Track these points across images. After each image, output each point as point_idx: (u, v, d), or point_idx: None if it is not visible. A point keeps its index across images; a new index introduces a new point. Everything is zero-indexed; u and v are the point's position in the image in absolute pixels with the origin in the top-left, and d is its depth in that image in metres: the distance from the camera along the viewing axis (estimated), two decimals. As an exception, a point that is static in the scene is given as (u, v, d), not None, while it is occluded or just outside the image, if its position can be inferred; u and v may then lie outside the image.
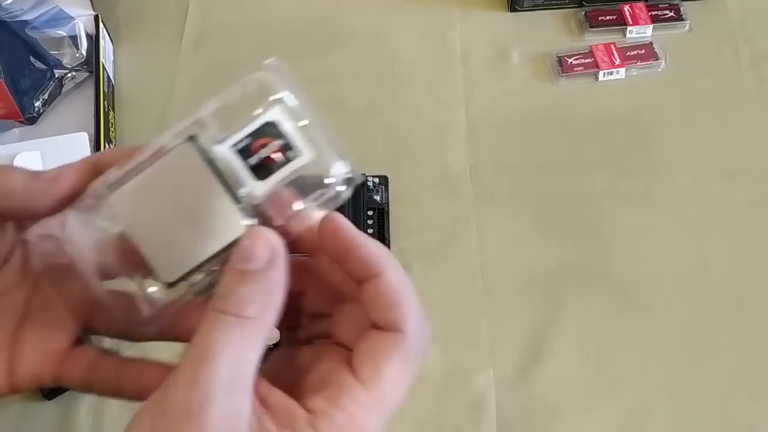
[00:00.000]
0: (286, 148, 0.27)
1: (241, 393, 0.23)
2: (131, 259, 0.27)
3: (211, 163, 0.27)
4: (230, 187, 0.27)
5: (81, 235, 0.27)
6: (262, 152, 0.27)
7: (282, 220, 0.27)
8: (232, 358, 0.23)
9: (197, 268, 0.27)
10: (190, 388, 0.22)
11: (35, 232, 0.28)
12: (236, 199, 0.27)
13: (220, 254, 0.27)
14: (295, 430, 0.23)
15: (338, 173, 0.27)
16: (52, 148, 0.62)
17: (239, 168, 0.27)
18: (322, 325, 0.29)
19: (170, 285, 0.27)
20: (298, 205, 0.27)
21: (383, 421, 0.26)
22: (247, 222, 0.26)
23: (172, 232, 0.27)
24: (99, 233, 0.27)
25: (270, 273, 0.25)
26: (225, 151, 0.27)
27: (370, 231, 0.61)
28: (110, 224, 0.27)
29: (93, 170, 0.29)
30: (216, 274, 0.27)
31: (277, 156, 0.27)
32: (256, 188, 0.27)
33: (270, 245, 0.25)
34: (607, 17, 0.73)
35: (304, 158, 0.27)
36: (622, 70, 0.70)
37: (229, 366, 0.23)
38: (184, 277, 0.27)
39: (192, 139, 0.27)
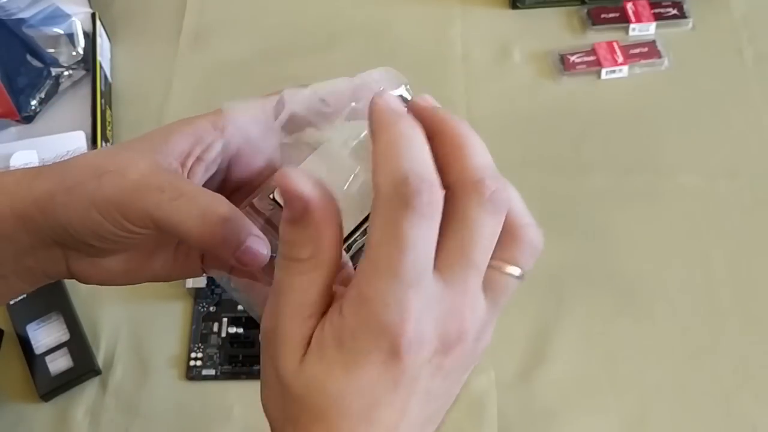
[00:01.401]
0: None
1: (304, 318, 0.28)
2: None
3: (350, 155, 0.33)
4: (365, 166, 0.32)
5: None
6: None
7: None
8: (295, 294, 0.28)
9: (352, 233, 0.33)
10: (268, 318, 0.29)
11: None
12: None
13: (362, 225, 0.33)
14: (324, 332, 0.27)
15: None
16: (49, 147, 0.61)
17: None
18: None
19: None
20: None
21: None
22: None
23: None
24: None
25: (311, 218, 0.27)
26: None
27: (370, 231, 0.60)
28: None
29: None
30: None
31: None
32: None
33: (298, 195, 0.27)
34: (610, 15, 0.73)
35: None
36: (625, 68, 0.70)
37: (293, 300, 0.28)
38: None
39: (330, 141, 0.34)
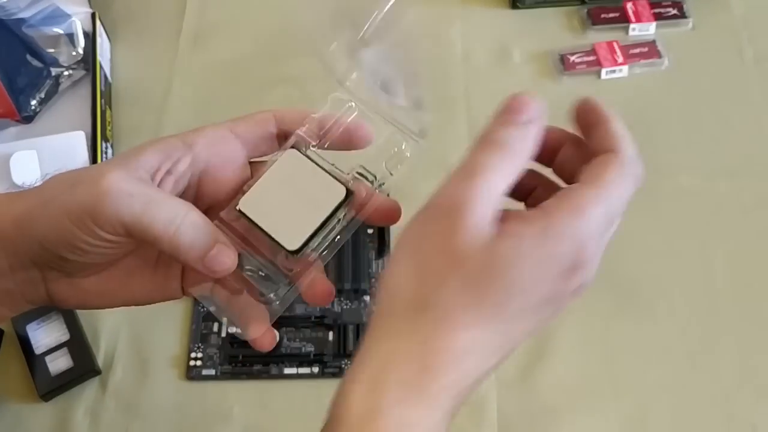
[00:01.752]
0: None
1: (490, 205, 0.30)
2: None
3: (310, 157, 0.36)
4: (327, 169, 0.36)
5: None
6: None
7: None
8: (490, 178, 0.30)
9: (315, 233, 0.35)
10: (455, 193, 0.31)
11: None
12: (333, 176, 0.36)
13: (331, 217, 0.35)
14: (528, 219, 0.30)
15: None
16: (49, 147, 0.61)
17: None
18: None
19: (295, 252, 0.35)
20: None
21: (606, 215, 0.31)
22: (344, 190, 0.35)
23: (289, 212, 0.35)
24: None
25: (531, 127, 0.32)
26: (314, 151, 0.37)
27: (370, 230, 0.60)
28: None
29: None
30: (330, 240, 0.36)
31: None
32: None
33: (534, 107, 0.33)
34: (610, 15, 0.73)
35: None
36: (625, 68, 0.70)
37: (486, 183, 0.30)
38: (306, 243, 0.35)
39: (293, 147, 0.37)
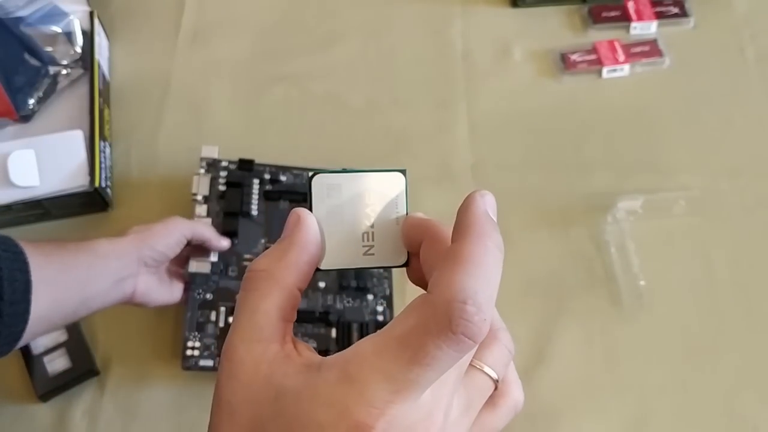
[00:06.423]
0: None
1: (257, 339, 0.26)
2: None
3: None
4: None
5: None
6: None
7: None
8: (246, 311, 0.26)
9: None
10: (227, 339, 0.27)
11: None
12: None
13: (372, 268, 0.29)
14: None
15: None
16: (47, 147, 0.61)
17: None
18: None
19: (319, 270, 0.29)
20: None
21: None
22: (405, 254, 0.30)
23: (345, 230, 0.30)
24: None
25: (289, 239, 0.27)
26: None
27: (370, 230, 0.60)
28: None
29: None
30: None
31: None
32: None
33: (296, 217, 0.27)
34: (611, 13, 0.72)
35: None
36: (626, 67, 0.69)
37: (244, 319, 0.26)
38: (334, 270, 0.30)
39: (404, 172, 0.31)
